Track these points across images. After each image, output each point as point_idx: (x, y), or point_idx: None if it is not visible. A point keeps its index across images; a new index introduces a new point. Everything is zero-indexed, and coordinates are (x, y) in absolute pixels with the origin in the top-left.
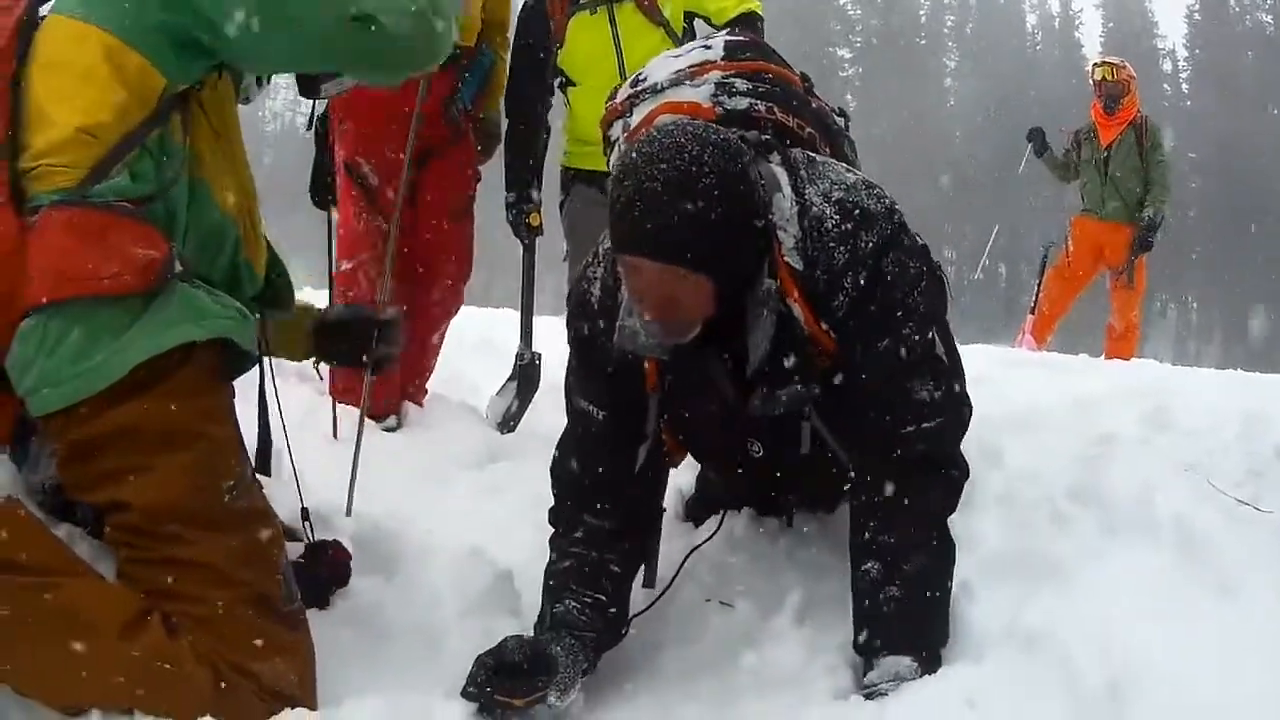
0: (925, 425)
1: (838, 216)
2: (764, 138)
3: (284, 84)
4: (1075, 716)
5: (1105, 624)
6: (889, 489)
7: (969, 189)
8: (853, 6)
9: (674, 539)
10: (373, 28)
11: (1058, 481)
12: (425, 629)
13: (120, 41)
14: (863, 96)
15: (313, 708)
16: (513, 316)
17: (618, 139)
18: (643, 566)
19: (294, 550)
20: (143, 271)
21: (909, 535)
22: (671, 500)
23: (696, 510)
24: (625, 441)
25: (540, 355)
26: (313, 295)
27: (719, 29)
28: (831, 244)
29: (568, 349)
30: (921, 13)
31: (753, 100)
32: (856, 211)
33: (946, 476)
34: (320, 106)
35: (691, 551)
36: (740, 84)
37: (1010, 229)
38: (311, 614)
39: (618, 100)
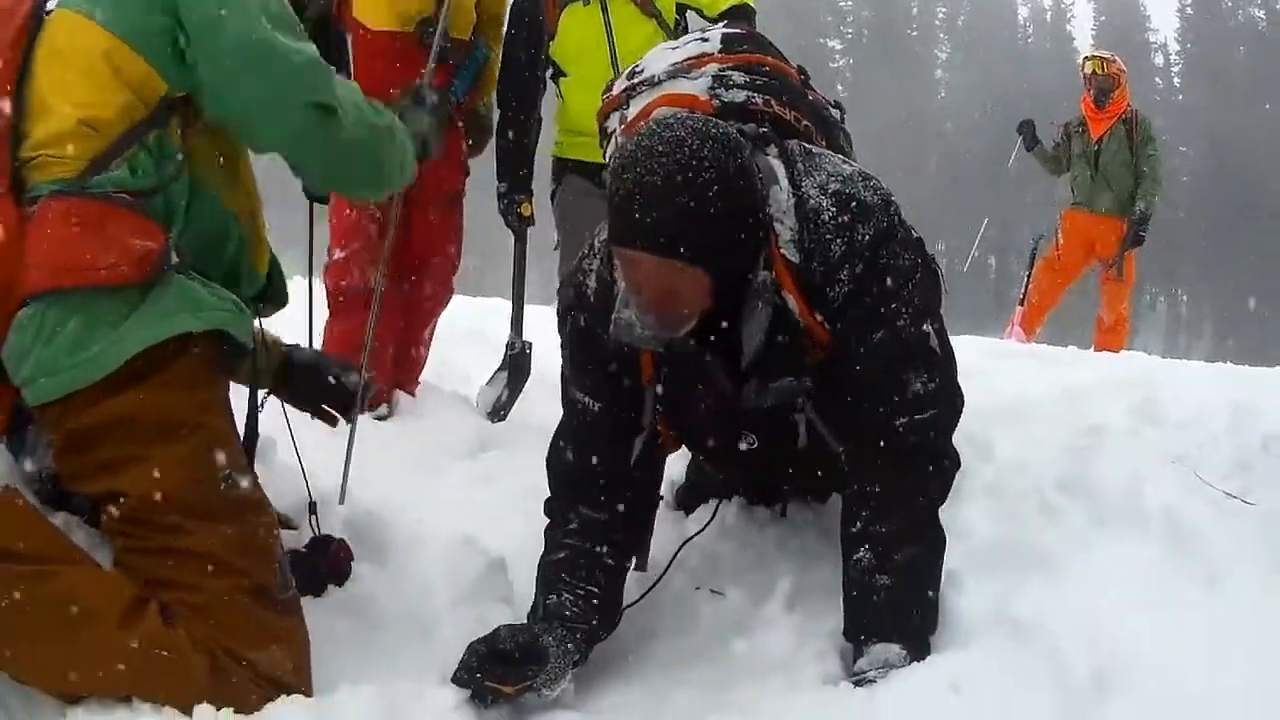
0: (918, 417)
1: (834, 209)
2: (761, 130)
3: None
4: (1062, 704)
5: (1093, 614)
6: (881, 479)
7: (959, 181)
8: None
9: (664, 527)
10: (331, 121)
11: (1046, 473)
12: (418, 617)
13: (124, 44)
14: (853, 88)
15: (308, 694)
16: (503, 306)
17: (615, 131)
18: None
19: (288, 538)
20: (140, 263)
21: (900, 525)
22: (662, 488)
23: (687, 499)
24: (621, 433)
25: (531, 345)
26: (301, 285)
27: (711, 21)
28: (828, 236)
29: (557, 338)
30: (913, 4)
31: (750, 93)
32: (853, 204)
33: (938, 467)
34: None
35: (685, 543)
36: (737, 77)
37: (1000, 221)
38: (305, 602)
39: (615, 92)
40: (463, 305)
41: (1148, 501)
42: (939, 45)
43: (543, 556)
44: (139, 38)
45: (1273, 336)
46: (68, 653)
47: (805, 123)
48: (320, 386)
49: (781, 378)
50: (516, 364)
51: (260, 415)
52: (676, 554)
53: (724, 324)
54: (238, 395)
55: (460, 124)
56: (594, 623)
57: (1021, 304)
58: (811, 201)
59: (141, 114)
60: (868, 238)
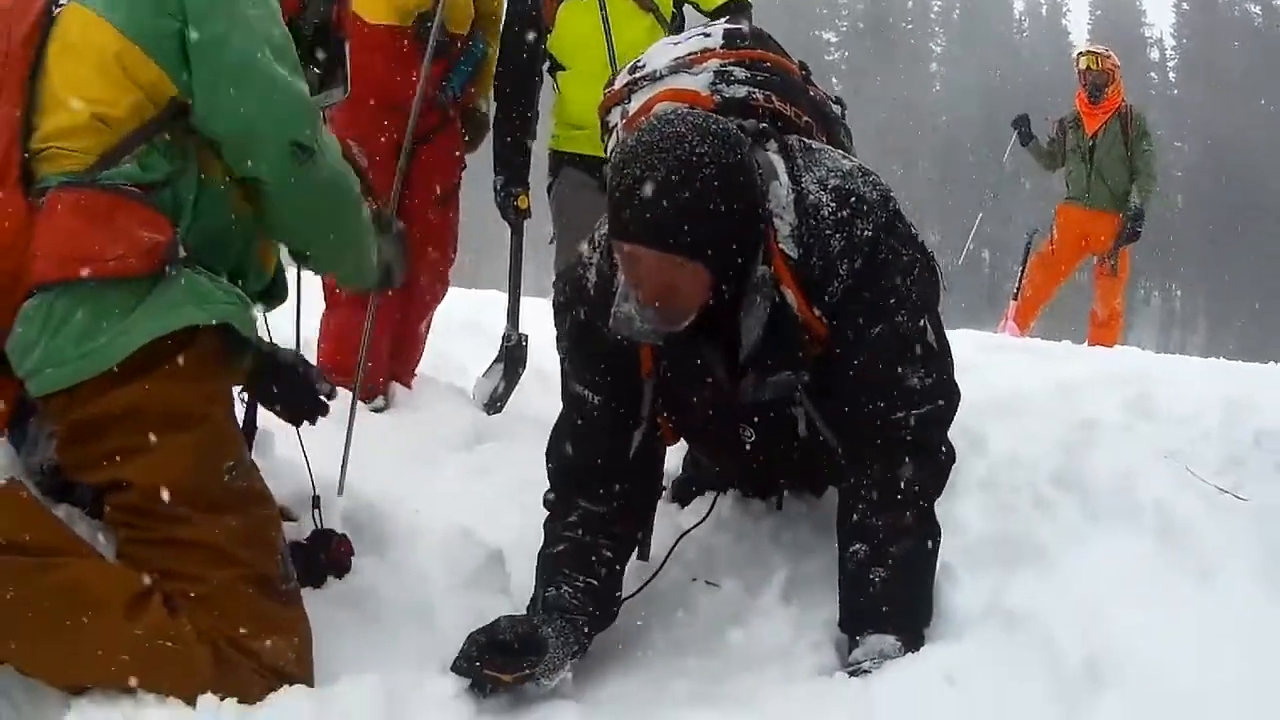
0: (915, 411)
1: (834, 204)
2: (761, 126)
3: None
4: (1055, 694)
5: (1086, 607)
6: (878, 473)
7: (954, 174)
8: None
9: (661, 520)
10: (310, 162)
11: (1040, 467)
12: (418, 608)
13: (136, 47)
14: (848, 81)
15: (310, 684)
16: (499, 298)
17: (616, 125)
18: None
19: (288, 530)
20: (148, 254)
21: (897, 519)
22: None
23: (683, 491)
24: (621, 427)
25: (527, 337)
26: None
27: (707, 15)
28: (827, 231)
29: (553, 331)
30: None
31: (751, 89)
32: (852, 199)
33: (934, 461)
34: None
35: (682, 536)
36: (739, 72)
37: (995, 215)
38: (306, 593)
39: (617, 86)
40: (459, 297)
41: (1140, 496)
42: (934, 38)
43: (542, 549)
44: (150, 40)
45: (1268, 332)
46: (73, 644)
47: (806, 118)
48: (296, 391)
49: (779, 371)
50: (513, 356)
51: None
52: (674, 547)
53: (723, 318)
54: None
55: (457, 119)
56: (593, 614)
57: (1015, 298)
58: (811, 197)
59: (151, 114)
60: (867, 233)
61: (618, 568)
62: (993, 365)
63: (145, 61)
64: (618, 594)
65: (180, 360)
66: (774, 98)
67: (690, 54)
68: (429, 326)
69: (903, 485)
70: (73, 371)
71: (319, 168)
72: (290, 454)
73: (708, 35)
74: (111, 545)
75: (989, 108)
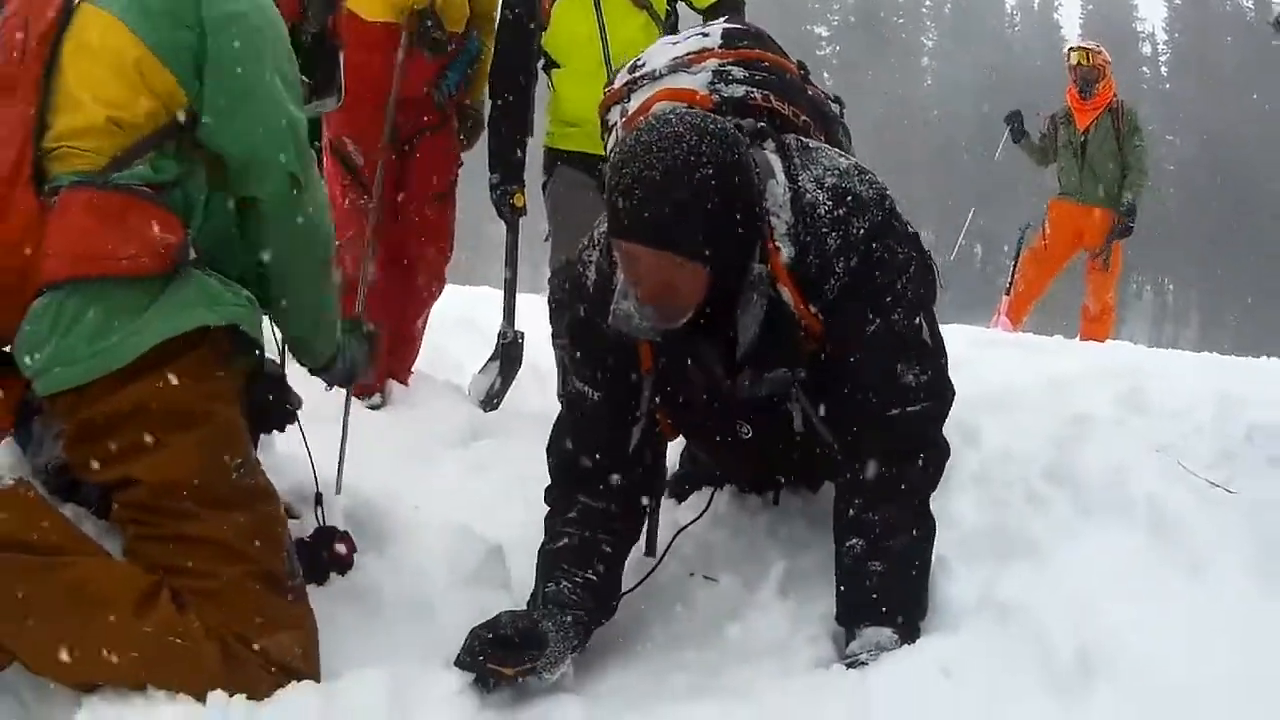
0: (910, 408)
1: (830, 202)
2: (758, 125)
3: None
4: (1048, 686)
5: (1078, 600)
6: (874, 469)
7: (946, 169)
8: None
9: (658, 515)
10: (301, 195)
11: (1033, 461)
12: (419, 604)
13: (153, 55)
14: (840, 76)
15: (317, 680)
16: (495, 295)
17: (615, 124)
18: (643, 534)
19: (291, 527)
20: (160, 254)
21: (892, 514)
22: None
23: (680, 487)
24: (620, 423)
25: (523, 334)
26: None
27: (700, 13)
28: (824, 229)
29: (548, 328)
30: None
31: (749, 88)
32: (849, 197)
33: (929, 457)
34: None
35: (680, 531)
36: (737, 72)
37: (987, 210)
38: (309, 589)
39: (616, 86)
40: (455, 295)
41: (1132, 490)
42: (926, 33)
43: (543, 544)
44: (167, 50)
45: (1261, 327)
46: (82, 641)
47: (804, 118)
48: (275, 403)
49: (776, 368)
50: (509, 353)
51: None
52: (671, 542)
53: (721, 315)
54: None
55: (453, 118)
56: (593, 609)
57: (1008, 293)
58: (808, 195)
59: (165, 120)
60: (863, 231)
61: (618, 563)
62: (985, 360)
63: (161, 70)
64: (618, 588)
65: (189, 359)
66: (772, 97)
67: (689, 53)
68: (425, 324)
69: (898, 481)
70: (84, 370)
71: (306, 203)
72: (290, 451)
73: (706, 35)
74: (118, 545)
75: (981, 102)
